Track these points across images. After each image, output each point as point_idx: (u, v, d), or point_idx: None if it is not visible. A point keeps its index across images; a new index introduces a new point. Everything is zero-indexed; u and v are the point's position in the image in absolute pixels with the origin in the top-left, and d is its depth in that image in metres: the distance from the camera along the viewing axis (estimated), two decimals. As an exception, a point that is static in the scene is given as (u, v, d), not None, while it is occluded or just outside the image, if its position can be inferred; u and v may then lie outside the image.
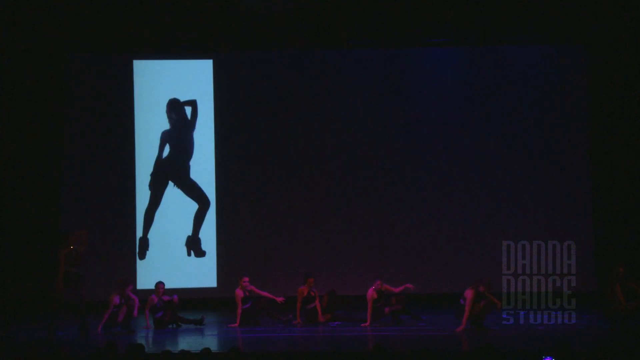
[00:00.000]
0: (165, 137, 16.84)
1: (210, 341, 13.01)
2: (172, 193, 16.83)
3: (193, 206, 16.82)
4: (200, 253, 16.62)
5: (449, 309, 14.77)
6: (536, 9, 16.36)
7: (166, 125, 16.91)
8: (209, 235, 16.76)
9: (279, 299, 14.45)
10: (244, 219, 16.79)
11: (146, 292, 14.87)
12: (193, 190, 16.79)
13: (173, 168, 16.81)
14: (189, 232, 16.72)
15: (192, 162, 16.89)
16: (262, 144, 17.00)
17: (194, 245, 16.65)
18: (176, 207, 16.78)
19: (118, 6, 16.37)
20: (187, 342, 12.82)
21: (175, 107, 16.80)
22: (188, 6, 16.44)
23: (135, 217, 16.76)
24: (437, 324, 14.09)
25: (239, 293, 14.31)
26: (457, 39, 16.90)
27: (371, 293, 14.03)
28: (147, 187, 16.80)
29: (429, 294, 16.17)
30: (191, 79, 16.99)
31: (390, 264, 16.50)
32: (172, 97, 16.94)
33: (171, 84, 16.98)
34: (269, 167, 16.95)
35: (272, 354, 11.50)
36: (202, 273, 16.63)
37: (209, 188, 16.87)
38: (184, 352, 10.47)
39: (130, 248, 16.70)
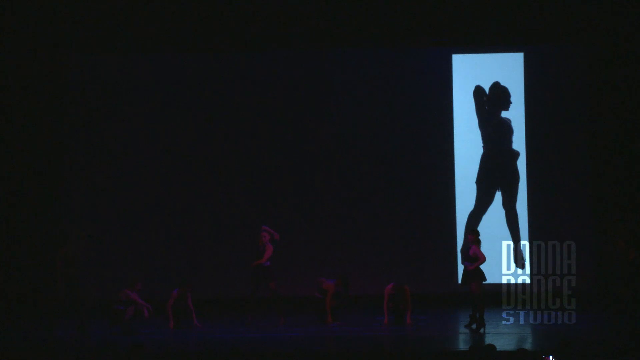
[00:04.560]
0: None
1: (210, 341, 13.01)
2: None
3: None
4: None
5: (450, 309, 14.81)
6: (536, 9, 16.35)
7: (164, 123, 16.97)
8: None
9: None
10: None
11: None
12: None
13: None
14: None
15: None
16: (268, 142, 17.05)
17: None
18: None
19: (117, 6, 16.39)
20: (188, 342, 12.83)
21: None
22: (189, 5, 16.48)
23: (142, 216, 16.79)
24: (437, 324, 14.09)
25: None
26: (457, 39, 16.89)
27: (389, 289, 14.07)
28: (142, 186, 16.85)
29: (429, 293, 16.15)
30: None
31: (390, 263, 16.48)
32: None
33: (171, 82, 17.04)
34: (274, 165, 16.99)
35: (272, 354, 11.50)
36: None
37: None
38: (183, 351, 10.46)
39: (132, 248, 16.71)
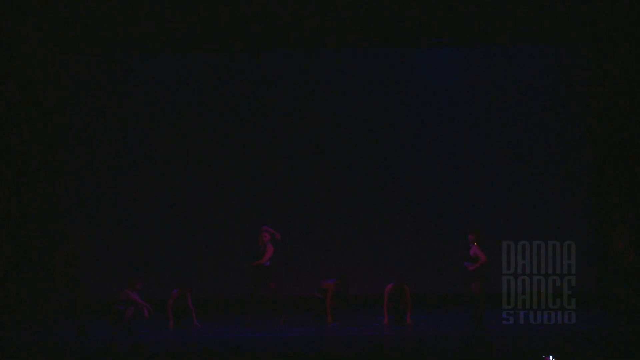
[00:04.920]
0: None
1: (210, 341, 13.00)
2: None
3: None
4: None
5: (450, 309, 14.78)
6: (536, 9, 16.36)
7: (164, 123, 16.97)
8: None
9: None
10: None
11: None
12: None
13: None
14: None
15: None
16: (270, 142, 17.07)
17: None
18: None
19: (117, 6, 16.40)
20: (188, 342, 12.84)
21: None
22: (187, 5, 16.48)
23: (142, 216, 16.79)
24: (437, 324, 14.10)
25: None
26: (457, 39, 16.90)
27: (389, 289, 14.09)
28: (142, 186, 16.87)
29: (428, 294, 16.16)
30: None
31: (390, 264, 16.49)
32: (172, 94, 16.97)
33: (171, 82, 17.06)
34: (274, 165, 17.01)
35: (272, 354, 11.50)
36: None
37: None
38: (183, 351, 10.46)
39: (132, 248, 16.72)
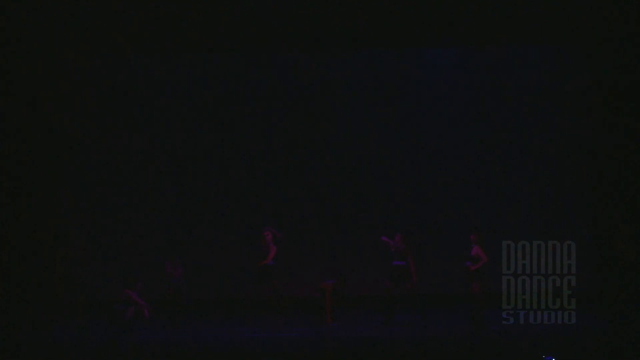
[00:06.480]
0: None
1: (210, 341, 13.00)
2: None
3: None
4: None
5: (450, 309, 14.76)
6: (536, 9, 16.37)
7: (164, 123, 16.98)
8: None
9: None
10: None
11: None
12: None
13: None
14: None
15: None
16: (267, 143, 17.06)
17: None
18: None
19: (118, 6, 16.41)
20: (188, 342, 12.84)
21: None
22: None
23: (143, 216, 16.79)
24: (437, 324, 14.10)
25: None
26: (457, 39, 16.90)
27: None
28: (142, 187, 16.86)
29: (428, 294, 16.15)
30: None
31: (390, 263, 16.46)
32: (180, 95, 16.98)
33: (173, 82, 17.07)
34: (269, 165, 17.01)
35: (272, 354, 11.51)
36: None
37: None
38: (183, 351, 10.47)
39: (132, 248, 16.72)
